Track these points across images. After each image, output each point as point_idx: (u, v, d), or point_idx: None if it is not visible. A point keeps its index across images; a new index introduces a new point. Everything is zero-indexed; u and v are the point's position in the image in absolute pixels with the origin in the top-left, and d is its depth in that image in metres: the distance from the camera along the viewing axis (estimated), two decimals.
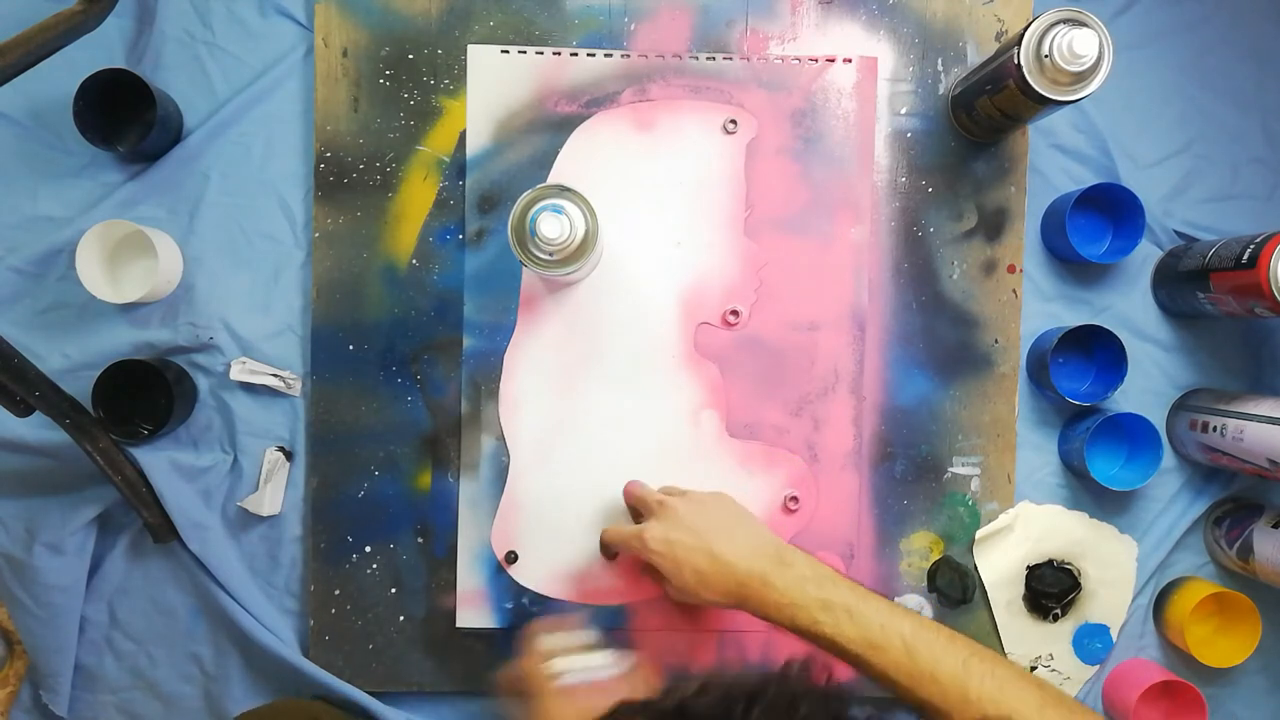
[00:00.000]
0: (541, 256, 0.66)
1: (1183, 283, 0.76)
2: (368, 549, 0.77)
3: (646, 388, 0.77)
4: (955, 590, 0.78)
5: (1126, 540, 0.79)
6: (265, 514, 0.76)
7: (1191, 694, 0.77)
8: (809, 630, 0.60)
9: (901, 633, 0.58)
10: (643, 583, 0.76)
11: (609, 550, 0.76)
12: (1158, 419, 0.80)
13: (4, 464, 0.76)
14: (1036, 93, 0.65)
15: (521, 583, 0.77)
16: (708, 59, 0.77)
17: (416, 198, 0.77)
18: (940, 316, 0.78)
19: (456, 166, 0.77)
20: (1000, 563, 0.79)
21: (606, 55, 0.77)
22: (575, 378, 0.77)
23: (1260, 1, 0.81)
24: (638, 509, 0.73)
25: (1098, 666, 0.80)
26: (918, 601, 0.79)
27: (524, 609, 0.76)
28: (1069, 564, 0.79)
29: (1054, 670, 0.79)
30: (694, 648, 0.77)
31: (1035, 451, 0.80)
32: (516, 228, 0.65)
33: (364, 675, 0.77)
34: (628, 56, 0.77)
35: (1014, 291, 0.79)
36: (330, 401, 0.77)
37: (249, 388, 0.77)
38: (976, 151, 0.79)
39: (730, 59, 0.77)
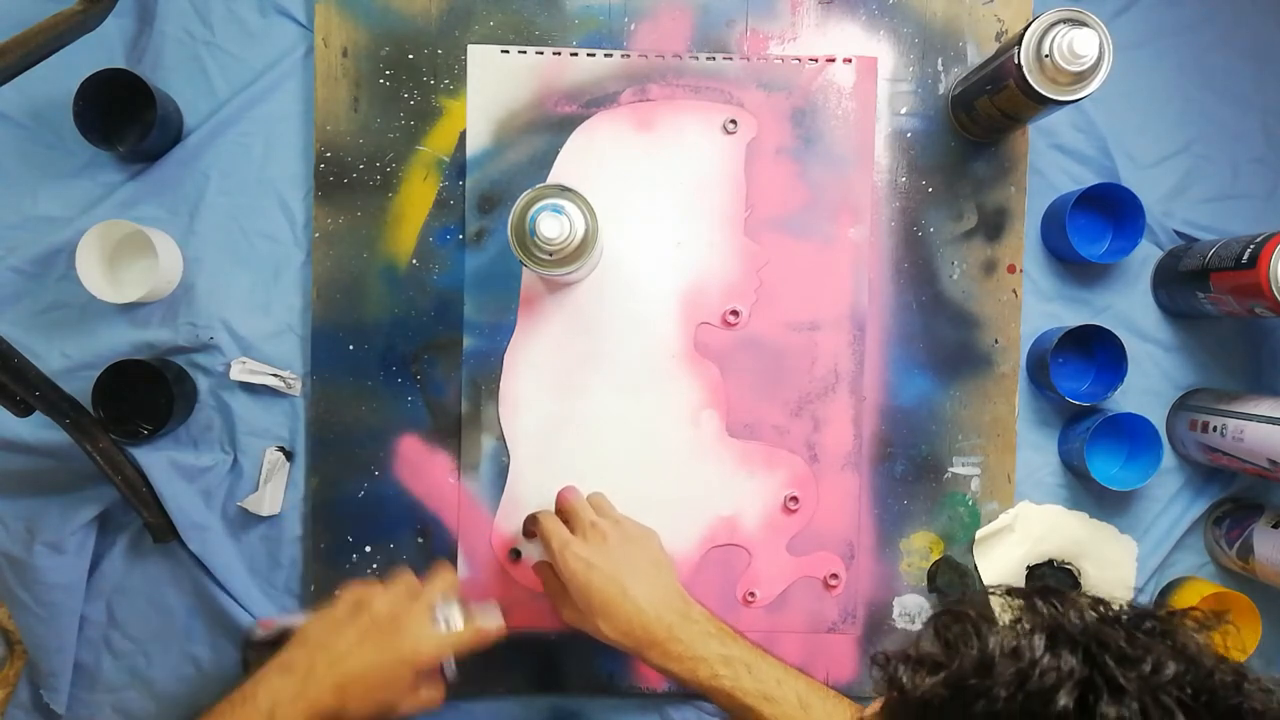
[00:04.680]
0: (541, 256, 0.66)
1: (1183, 283, 0.76)
2: (368, 549, 0.77)
3: (646, 387, 0.77)
4: (955, 590, 0.78)
5: (1126, 540, 0.79)
6: (265, 514, 0.76)
7: None
8: (707, 683, 0.63)
9: (796, 689, 0.62)
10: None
11: (530, 528, 0.75)
12: (1158, 419, 0.80)
13: (4, 464, 0.76)
14: (1037, 93, 0.65)
15: (523, 582, 0.77)
16: (708, 59, 0.77)
17: (416, 198, 0.77)
18: (940, 316, 0.78)
19: (456, 166, 0.77)
20: (1000, 563, 0.78)
21: (606, 55, 0.77)
22: (575, 378, 0.77)
23: (1260, 1, 0.81)
24: (567, 519, 0.72)
25: None
26: (918, 602, 0.79)
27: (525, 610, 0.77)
28: (1069, 564, 0.79)
29: None
30: None
31: (1035, 451, 0.80)
32: (516, 228, 0.65)
33: None
34: (628, 56, 0.77)
35: (1014, 291, 0.79)
36: (330, 401, 0.77)
37: (249, 388, 0.77)
38: (976, 151, 0.78)
39: (730, 59, 0.77)
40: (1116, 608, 0.38)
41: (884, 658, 0.38)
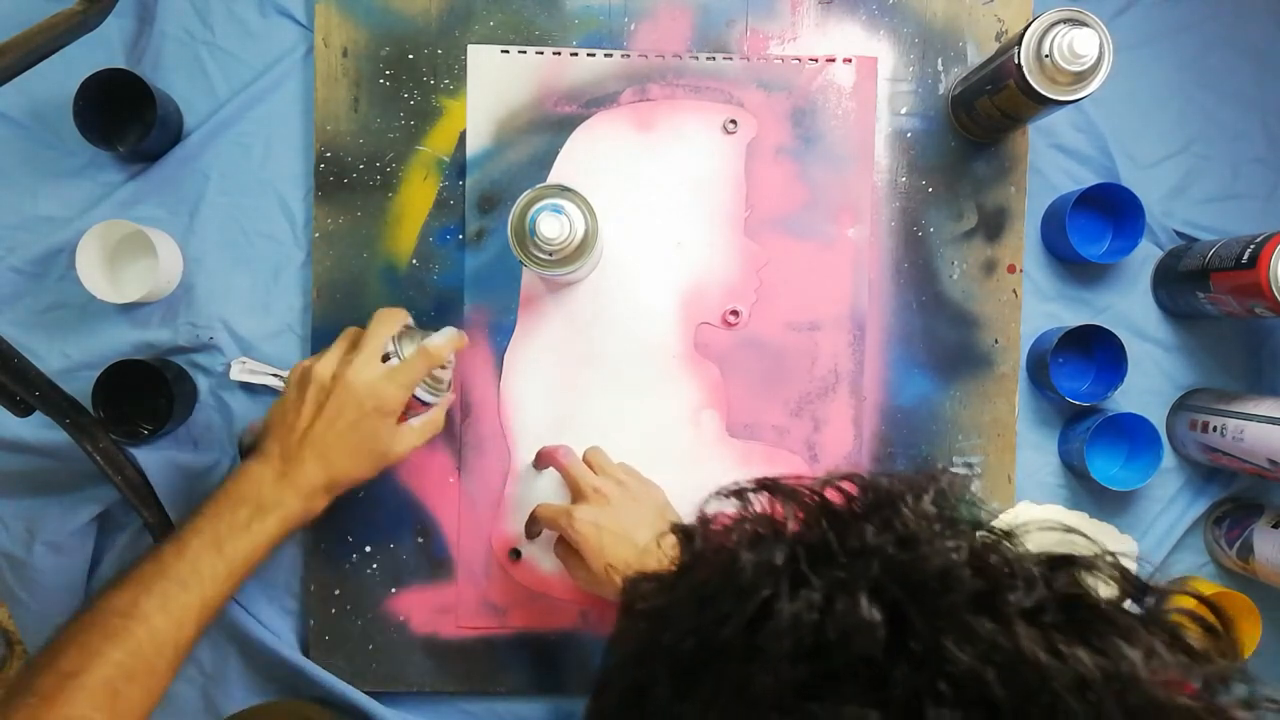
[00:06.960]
0: (541, 256, 0.66)
1: (1183, 283, 0.76)
2: (367, 549, 0.77)
3: (646, 388, 0.77)
4: None
5: (1126, 540, 0.79)
6: None
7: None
8: None
9: None
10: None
11: (533, 529, 0.75)
12: (1158, 419, 0.80)
13: (4, 464, 0.76)
14: (1037, 93, 0.65)
15: (523, 583, 0.77)
16: (708, 59, 0.77)
17: (416, 198, 0.77)
18: (940, 316, 0.78)
19: (456, 166, 0.77)
20: None
21: (606, 55, 0.77)
22: (575, 378, 0.77)
23: (1260, 1, 0.81)
24: (569, 485, 0.72)
25: None
26: None
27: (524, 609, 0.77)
28: None
29: None
30: None
31: (1035, 451, 0.80)
32: (516, 228, 0.65)
33: (364, 676, 0.76)
34: (628, 56, 0.77)
35: (1014, 291, 0.79)
36: None
37: (249, 388, 0.77)
38: (976, 151, 0.78)
39: (730, 59, 0.77)
40: (850, 497, 0.35)
41: (626, 579, 0.38)
